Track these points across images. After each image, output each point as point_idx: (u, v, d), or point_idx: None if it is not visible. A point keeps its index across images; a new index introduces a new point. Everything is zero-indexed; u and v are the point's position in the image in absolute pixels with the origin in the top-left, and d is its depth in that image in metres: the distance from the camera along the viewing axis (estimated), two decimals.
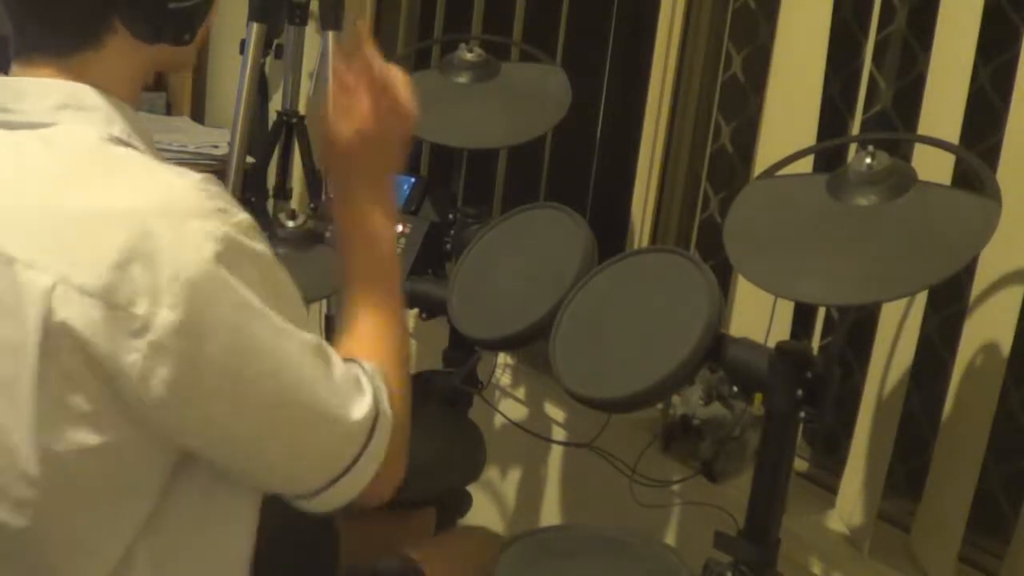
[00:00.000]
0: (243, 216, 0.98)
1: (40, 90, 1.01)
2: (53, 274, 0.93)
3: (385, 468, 1.08)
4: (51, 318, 0.93)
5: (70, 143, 1.00)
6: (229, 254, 0.95)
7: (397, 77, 1.19)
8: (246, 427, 0.99)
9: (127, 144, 1.02)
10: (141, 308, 0.92)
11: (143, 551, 1.02)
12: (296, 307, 1.04)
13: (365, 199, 1.20)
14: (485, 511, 2.27)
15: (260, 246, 0.99)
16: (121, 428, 0.97)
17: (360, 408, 1.05)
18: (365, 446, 1.05)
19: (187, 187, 0.97)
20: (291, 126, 2.57)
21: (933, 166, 1.42)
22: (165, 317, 0.92)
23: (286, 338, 0.99)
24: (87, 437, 0.96)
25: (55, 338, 0.93)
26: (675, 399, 1.55)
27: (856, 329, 1.69)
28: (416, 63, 2.56)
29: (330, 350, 1.05)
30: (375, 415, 1.06)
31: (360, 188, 1.20)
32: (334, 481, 1.05)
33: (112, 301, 0.92)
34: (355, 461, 1.05)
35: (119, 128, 1.02)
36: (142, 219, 0.93)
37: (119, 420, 0.96)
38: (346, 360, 1.07)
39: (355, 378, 1.06)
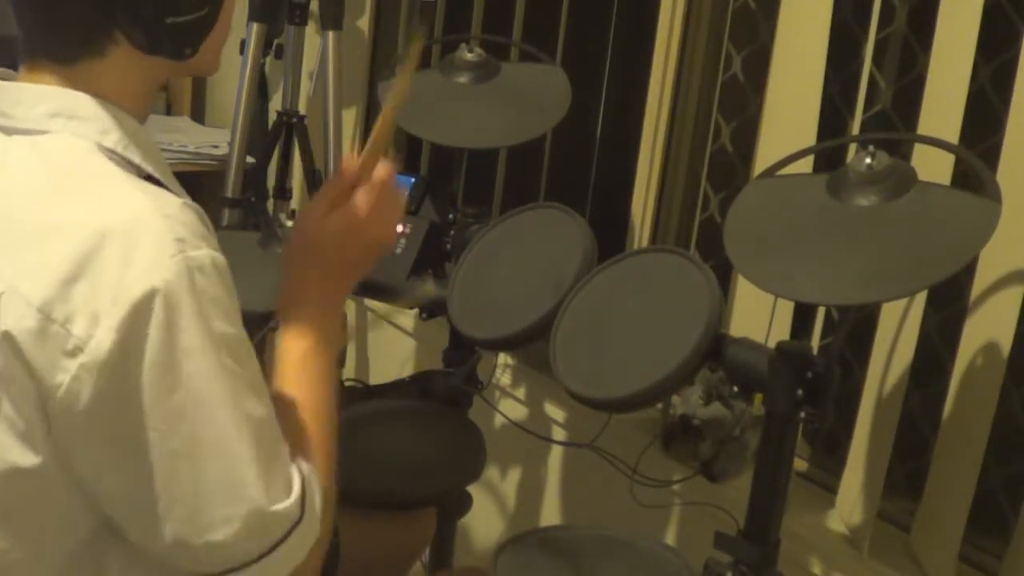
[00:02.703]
0: (204, 252, 0.94)
1: (34, 97, 1.01)
2: (5, 282, 0.92)
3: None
4: None
5: (54, 153, 0.99)
6: (175, 288, 0.91)
7: (398, 199, 1.17)
8: (153, 469, 0.93)
9: (120, 156, 1.01)
10: (78, 328, 0.90)
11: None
12: (241, 357, 0.97)
13: (322, 295, 1.14)
14: (485, 511, 2.27)
15: (213, 288, 0.95)
16: (49, 455, 0.94)
17: (282, 503, 0.98)
18: (274, 547, 0.98)
19: (152, 212, 0.94)
20: (291, 126, 2.57)
21: (933, 166, 1.42)
22: (100, 340, 0.90)
23: (217, 385, 0.94)
24: (21, 455, 0.94)
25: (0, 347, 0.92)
26: (675, 399, 1.55)
27: (856, 329, 1.69)
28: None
29: (268, 422, 0.99)
30: (296, 519, 0.99)
31: (324, 283, 1.15)
32: (233, 571, 0.97)
33: (51, 315, 0.91)
34: (264, 555, 0.98)
35: (114, 139, 1.01)
36: (97, 237, 0.92)
37: (48, 446, 0.94)
38: (286, 450, 1.01)
39: (287, 474, 1.00)
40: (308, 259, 1.14)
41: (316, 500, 1.02)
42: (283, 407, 1.06)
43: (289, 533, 0.99)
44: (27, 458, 0.94)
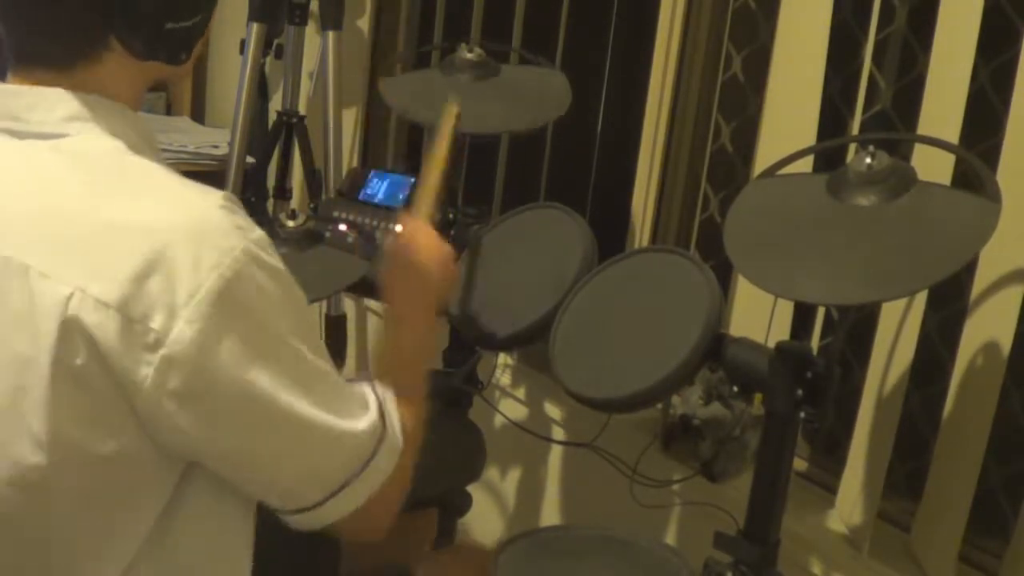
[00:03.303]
0: (260, 233, 1.00)
1: (51, 101, 1.01)
2: (70, 284, 0.93)
3: (384, 491, 1.09)
4: (68, 325, 0.93)
5: (90, 155, 1.00)
6: (248, 271, 0.96)
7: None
8: (251, 440, 1.00)
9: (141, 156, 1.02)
10: (157, 322, 0.93)
11: (146, 563, 1.02)
12: (310, 324, 1.06)
13: (416, 309, 1.28)
14: (485, 511, 2.27)
15: (278, 263, 1.00)
16: (133, 438, 0.97)
17: (363, 421, 1.06)
18: (367, 462, 1.06)
19: (209, 205, 0.98)
20: (291, 126, 2.57)
21: (933, 166, 1.42)
22: (181, 332, 0.93)
23: (297, 354, 1.01)
24: (99, 444, 0.96)
25: (70, 345, 0.93)
26: (675, 399, 1.55)
27: (856, 329, 1.69)
28: (416, 65, 2.56)
29: (331, 371, 1.06)
30: (381, 432, 1.08)
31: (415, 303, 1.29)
32: (333, 494, 1.05)
33: (128, 313, 0.93)
34: (356, 475, 1.06)
35: (127, 139, 1.02)
36: (164, 235, 0.94)
37: (132, 430, 0.97)
38: (359, 382, 1.11)
39: (362, 396, 1.09)
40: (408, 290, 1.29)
41: (395, 416, 1.11)
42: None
43: (377, 448, 1.07)
44: (103, 445, 0.97)
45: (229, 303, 0.95)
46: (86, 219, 0.96)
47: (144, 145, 1.05)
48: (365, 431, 1.06)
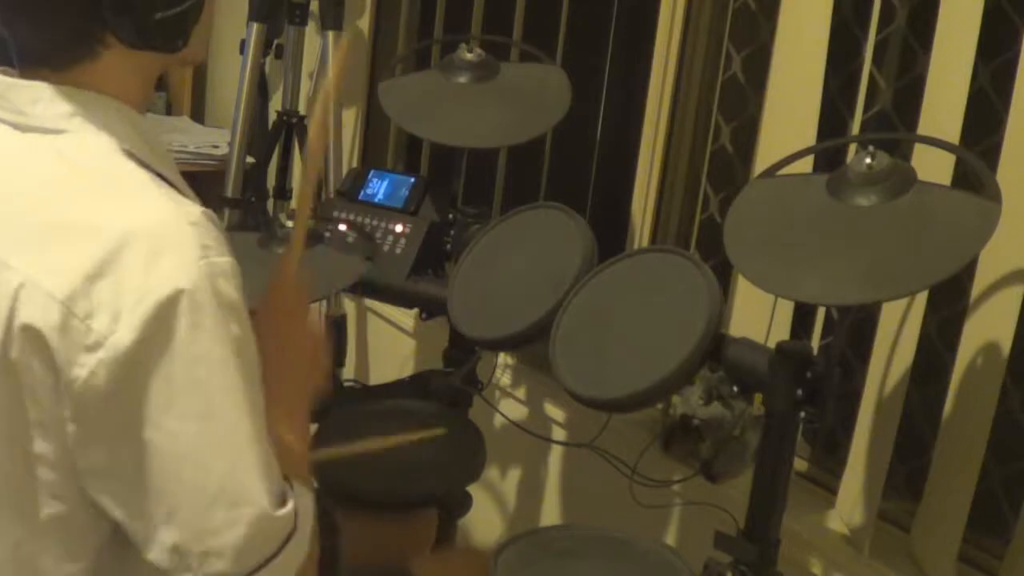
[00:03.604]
0: (225, 260, 0.97)
1: (54, 96, 1.01)
2: (22, 275, 0.94)
3: None
4: (14, 318, 0.93)
5: (77, 154, 1.00)
6: (200, 291, 0.93)
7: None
8: (157, 470, 0.94)
9: (136, 158, 1.02)
10: (99, 323, 0.92)
11: None
12: (252, 361, 0.99)
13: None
14: (485, 511, 2.27)
15: (233, 292, 0.96)
16: (60, 448, 0.95)
17: (282, 509, 0.98)
18: (273, 556, 0.98)
19: (179, 217, 0.96)
20: (291, 126, 2.57)
21: (933, 166, 1.42)
22: (120, 337, 0.91)
23: (232, 388, 0.95)
24: (40, 446, 0.96)
25: (16, 338, 0.93)
26: (675, 399, 1.55)
27: (856, 329, 1.69)
28: (416, 63, 2.56)
29: (265, 429, 0.99)
30: (291, 528, 0.99)
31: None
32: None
33: (72, 309, 0.92)
34: (257, 568, 0.97)
35: (131, 140, 1.02)
36: (123, 237, 0.93)
37: (60, 437, 0.95)
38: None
39: (281, 482, 1.00)
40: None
41: (304, 509, 1.02)
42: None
43: (286, 541, 0.99)
44: (40, 445, 0.95)
45: (172, 318, 0.92)
46: (55, 216, 0.97)
47: (144, 144, 1.04)
48: (281, 516, 0.98)
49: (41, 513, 0.98)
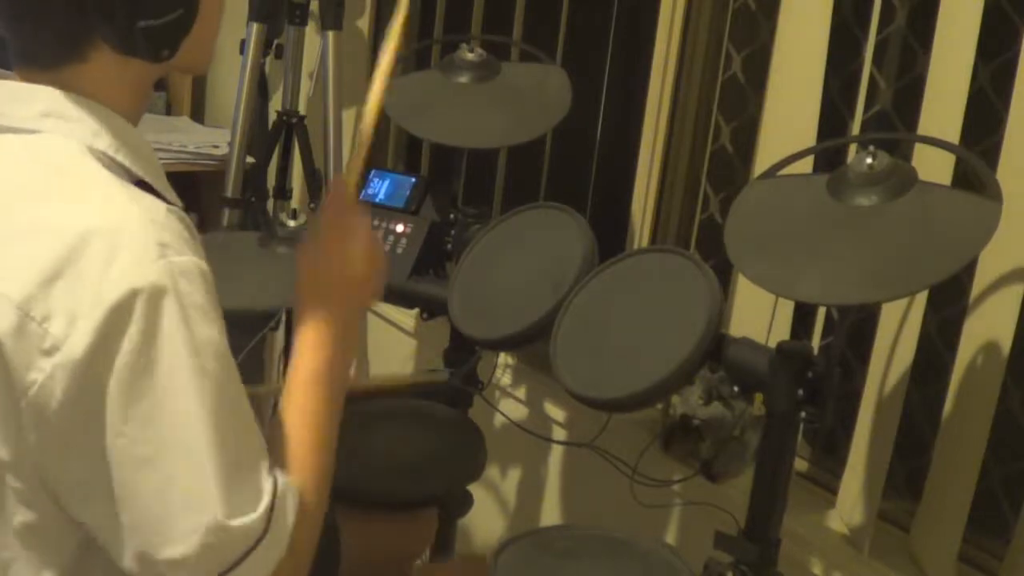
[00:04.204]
0: (188, 259, 0.95)
1: (28, 96, 1.01)
2: None
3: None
4: None
5: (44, 154, 0.99)
6: (157, 291, 0.92)
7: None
8: (118, 477, 0.92)
9: (111, 159, 1.00)
10: (56, 327, 0.91)
11: None
12: (223, 365, 0.97)
13: (337, 316, 1.13)
14: (485, 511, 2.27)
15: (196, 294, 0.94)
16: (20, 453, 0.94)
17: (243, 517, 0.95)
18: (233, 565, 0.95)
19: (137, 216, 0.95)
20: (291, 126, 2.57)
21: (933, 166, 1.42)
22: (77, 340, 0.90)
23: (192, 392, 0.93)
24: (1, 451, 0.95)
25: None
26: (675, 399, 1.55)
27: (856, 329, 1.69)
28: (416, 63, 2.56)
29: (243, 431, 0.98)
30: (259, 535, 0.96)
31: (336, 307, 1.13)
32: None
33: (29, 313, 0.91)
34: (232, 567, 0.95)
35: (105, 142, 1.01)
36: (79, 238, 0.92)
37: (19, 441, 0.94)
38: (263, 464, 0.99)
39: (256, 484, 0.97)
40: (318, 277, 1.15)
41: (288, 515, 1.00)
42: (282, 421, 1.06)
43: (250, 551, 0.96)
44: (1, 451, 0.94)
45: (132, 318, 0.90)
46: (19, 218, 0.96)
47: (123, 147, 1.02)
48: (241, 526, 0.95)
49: (13, 521, 0.97)
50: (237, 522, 0.95)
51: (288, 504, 1.00)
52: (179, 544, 0.93)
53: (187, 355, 0.93)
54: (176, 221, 0.98)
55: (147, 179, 1.03)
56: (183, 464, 0.93)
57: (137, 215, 0.95)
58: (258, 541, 0.96)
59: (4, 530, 0.98)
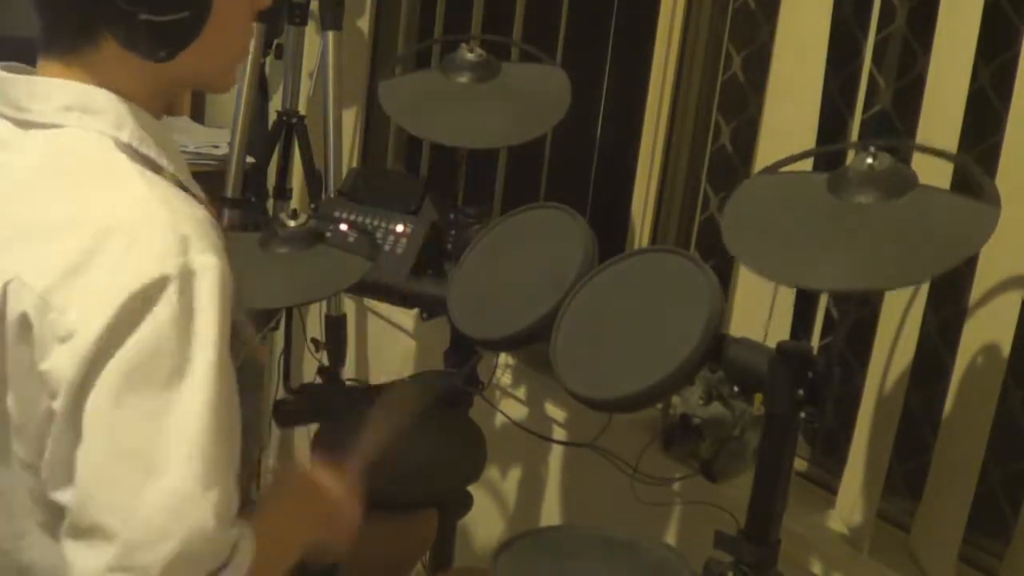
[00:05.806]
0: (208, 259, 0.95)
1: (49, 90, 1.01)
2: (10, 273, 0.95)
3: None
4: (4, 313, 0.95)
5: (69, 149, 1.00)
6: (172, 286, 0.92)
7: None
8: (102, 455, 0.92)
9: (136, 151, 1.01)
10: (73, 316, 0.92)
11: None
12: (219, 375, 0.96)
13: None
14: (485, 511, 2.27)
15: (210, 293, 0.94)
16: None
17: (224, 533, 0.94)
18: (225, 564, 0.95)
19: (161, 209, 0.96)
20: (291, 126, 2.57)
21: (933, 168, 1.42)
22: (91, 329, 0.91)
23: (192, 386, 0.93)
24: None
25: (6, 332, 0.95)
26: (675, 399, 1.55)
27: (856, 329, 1.69)
28: (416, 63, 2.56)
29: (231, 442, 0.98)
30: (225, 559, 0.95)
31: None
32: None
33: (50, 302, 0.93)
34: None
35: (129, 133, 1.01)
36: (103, 231, 0.94)
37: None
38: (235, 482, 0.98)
39: (230, 501, 0.96)
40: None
41: (245, 557, 0.97)
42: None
43: (223, 567, 0.95)
44: (10, 402, 0.98)
45: (146, 312, 0.91)
46: (44, 213, 0.97)
47: (148, 138, 1.02)
48: (223, 540, 0.94)
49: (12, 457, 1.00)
50: (220, 535, 0.94)
51: (247, 546, 0.98)
52: (154, 548, 0.91)
53: (191, 352, 0.94)
54: (200, 216, 0.99)
55: (172, 170, 1.04)
56: (171, 463, 0.92)
57: (160, 208, 0.96)
58: (224, 566, 0.95)
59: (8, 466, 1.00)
